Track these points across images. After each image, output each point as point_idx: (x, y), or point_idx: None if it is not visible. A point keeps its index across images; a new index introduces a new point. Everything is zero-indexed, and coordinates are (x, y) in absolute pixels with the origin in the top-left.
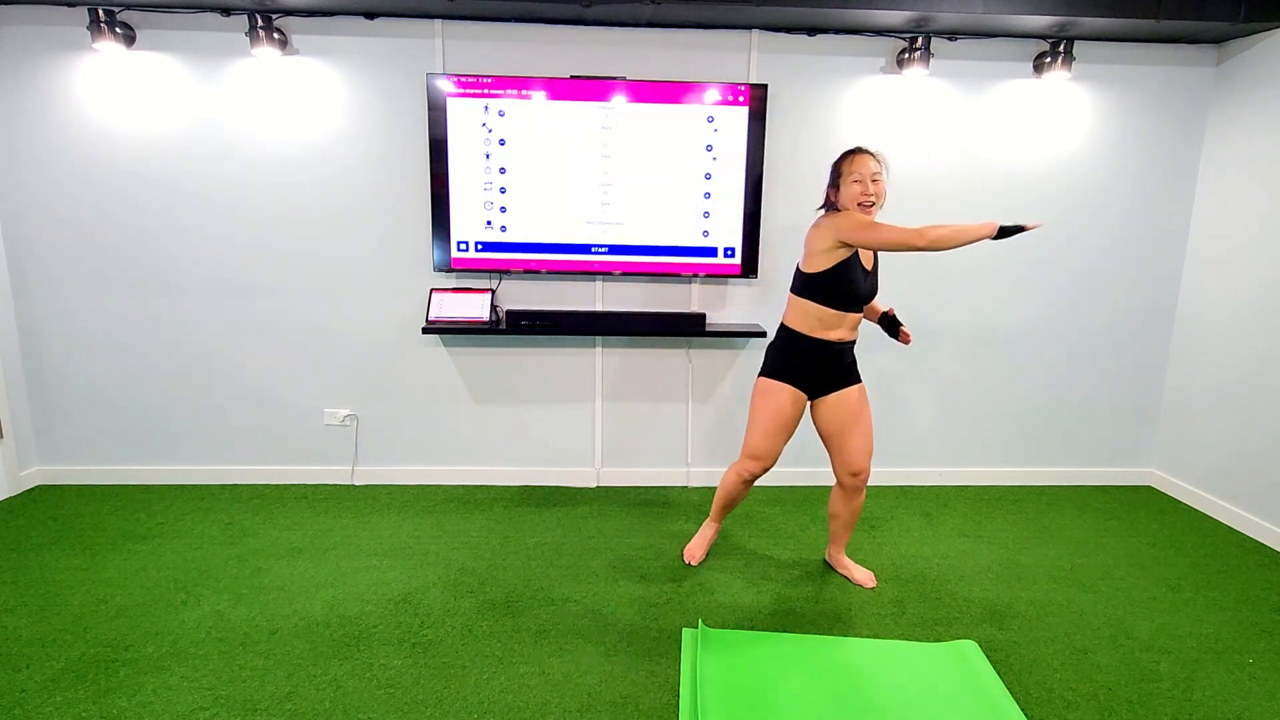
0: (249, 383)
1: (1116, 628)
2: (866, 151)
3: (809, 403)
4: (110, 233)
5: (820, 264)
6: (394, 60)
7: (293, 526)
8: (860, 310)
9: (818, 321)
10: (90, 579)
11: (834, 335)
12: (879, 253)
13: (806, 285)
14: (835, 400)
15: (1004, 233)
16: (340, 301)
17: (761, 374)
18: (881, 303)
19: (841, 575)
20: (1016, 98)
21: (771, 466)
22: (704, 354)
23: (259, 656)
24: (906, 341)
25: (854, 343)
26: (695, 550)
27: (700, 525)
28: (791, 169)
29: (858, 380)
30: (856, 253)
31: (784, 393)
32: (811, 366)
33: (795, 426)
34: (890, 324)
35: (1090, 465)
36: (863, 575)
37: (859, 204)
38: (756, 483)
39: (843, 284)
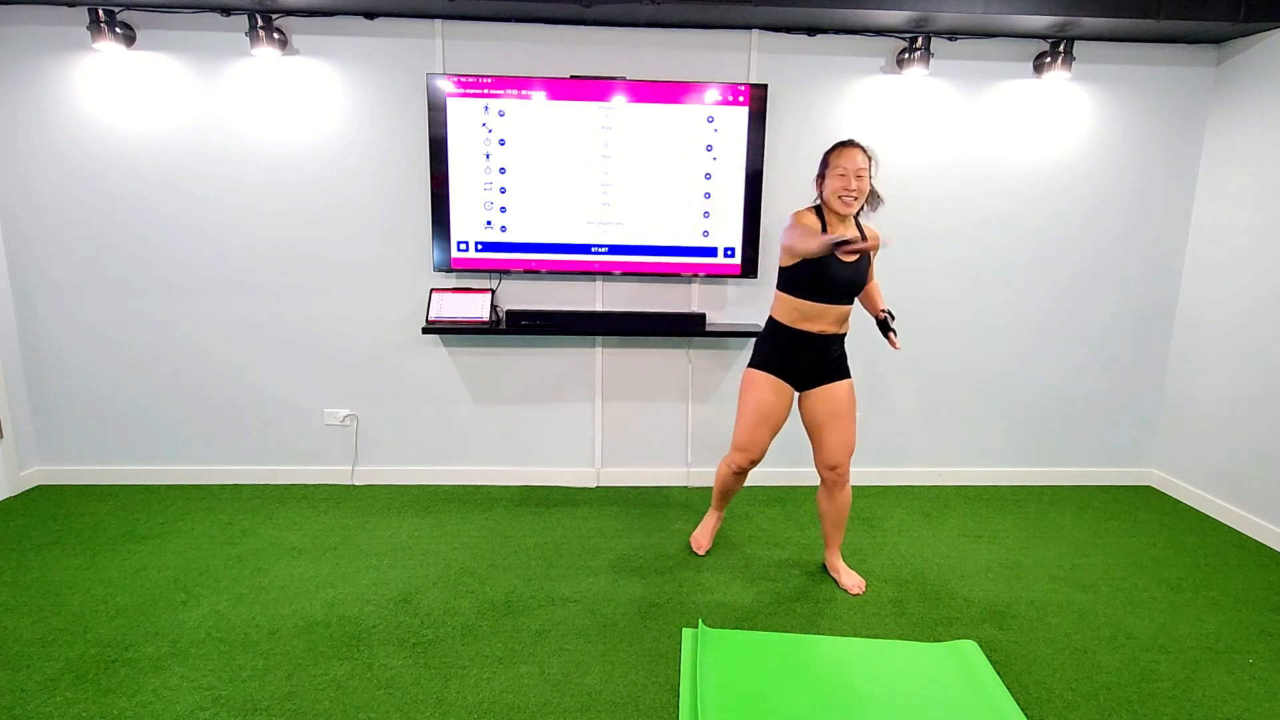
0: (249, 383)
1: (1116, 628)
2: (856, 145)
3: (797, 395)
4: (110, 233)
5: (787, 259)
6: (394, 60)
7: (293, 526)
8: (843, 301)
9: (799, 314)
10: (90, 579)
11: (816, 327)
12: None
13: (782, 279)
14: (820, 394)
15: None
16: (340, 301)
17: (749, 365)
18: (885, 300)
19: (833, 579)
20: (1016, 98)
21: (759, 459)
22: (704, 354)
23: (259, 656)
24: (894, 347)
25: (841, 336)
26: (701, 538)
27: (701, 520)
28: (792, 169)
29: (846, 375)
30: None
31: (767, 383)
32: (795, 358)
33: (781, 418)
34: (883, 326)
35: (1090, 465)
36: (850, 581)
37: (839, 197)
38: (757, 483)
39: (814, 276)
